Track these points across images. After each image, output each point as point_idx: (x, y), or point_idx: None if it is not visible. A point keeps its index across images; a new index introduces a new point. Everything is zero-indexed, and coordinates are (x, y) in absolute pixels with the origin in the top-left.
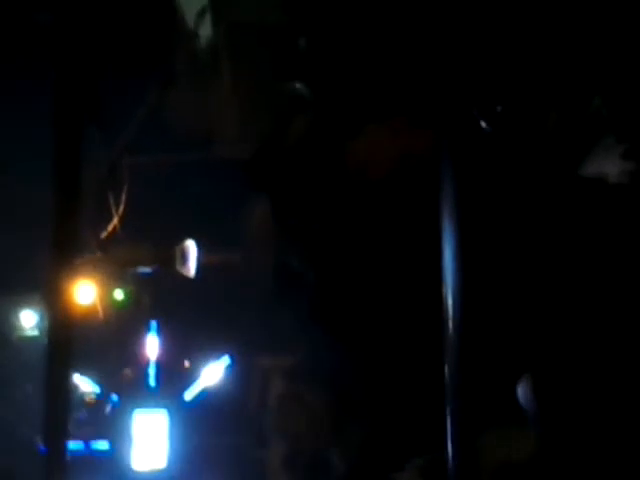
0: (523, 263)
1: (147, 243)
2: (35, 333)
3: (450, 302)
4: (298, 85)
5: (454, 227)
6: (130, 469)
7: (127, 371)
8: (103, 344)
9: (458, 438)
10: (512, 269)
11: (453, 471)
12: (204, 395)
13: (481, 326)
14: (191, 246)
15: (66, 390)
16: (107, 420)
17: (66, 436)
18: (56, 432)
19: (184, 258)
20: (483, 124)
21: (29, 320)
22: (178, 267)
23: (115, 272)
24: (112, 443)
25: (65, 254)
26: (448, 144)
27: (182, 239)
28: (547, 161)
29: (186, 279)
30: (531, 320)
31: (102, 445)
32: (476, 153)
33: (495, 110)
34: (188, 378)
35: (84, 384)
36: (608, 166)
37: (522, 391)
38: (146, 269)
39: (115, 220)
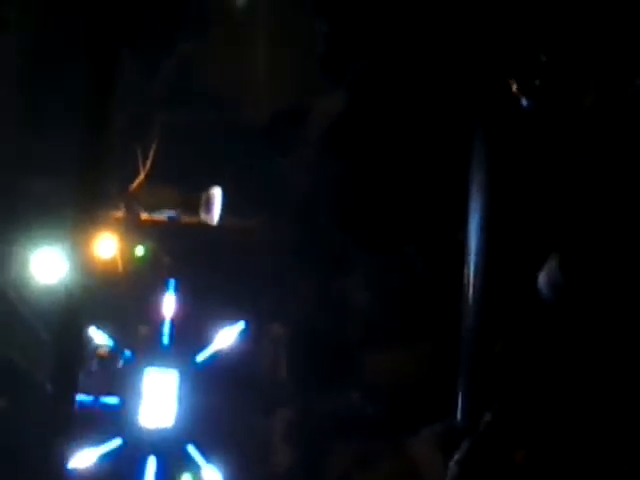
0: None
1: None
2: (54, 282)
3: (472, 280)
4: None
5: (483, 202)
6: (137, 425)
7: (143, 328)
8: (121, 299)
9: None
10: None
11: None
12: (215, 358)
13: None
14: (217, 193)
15: (79, 340)
16: (118, 375)
17: (75, 385)
18: (65, 381)
19: (209, 205)
20: (522, 99)
21: (49, 268)
22: (202, 214)
23: (137, 228)
24: (121, 398)
25: (89, 206)
26: (483, 119)
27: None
28: (581, 142)
29: (206, 241)
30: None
31: (111, 400)
32: (510, 129)
33: (533, 84)
34: (201, 340)
35: (99, 337)
36: None
37: (549, 269)
38: (170, 213)
39: (142, 176)
